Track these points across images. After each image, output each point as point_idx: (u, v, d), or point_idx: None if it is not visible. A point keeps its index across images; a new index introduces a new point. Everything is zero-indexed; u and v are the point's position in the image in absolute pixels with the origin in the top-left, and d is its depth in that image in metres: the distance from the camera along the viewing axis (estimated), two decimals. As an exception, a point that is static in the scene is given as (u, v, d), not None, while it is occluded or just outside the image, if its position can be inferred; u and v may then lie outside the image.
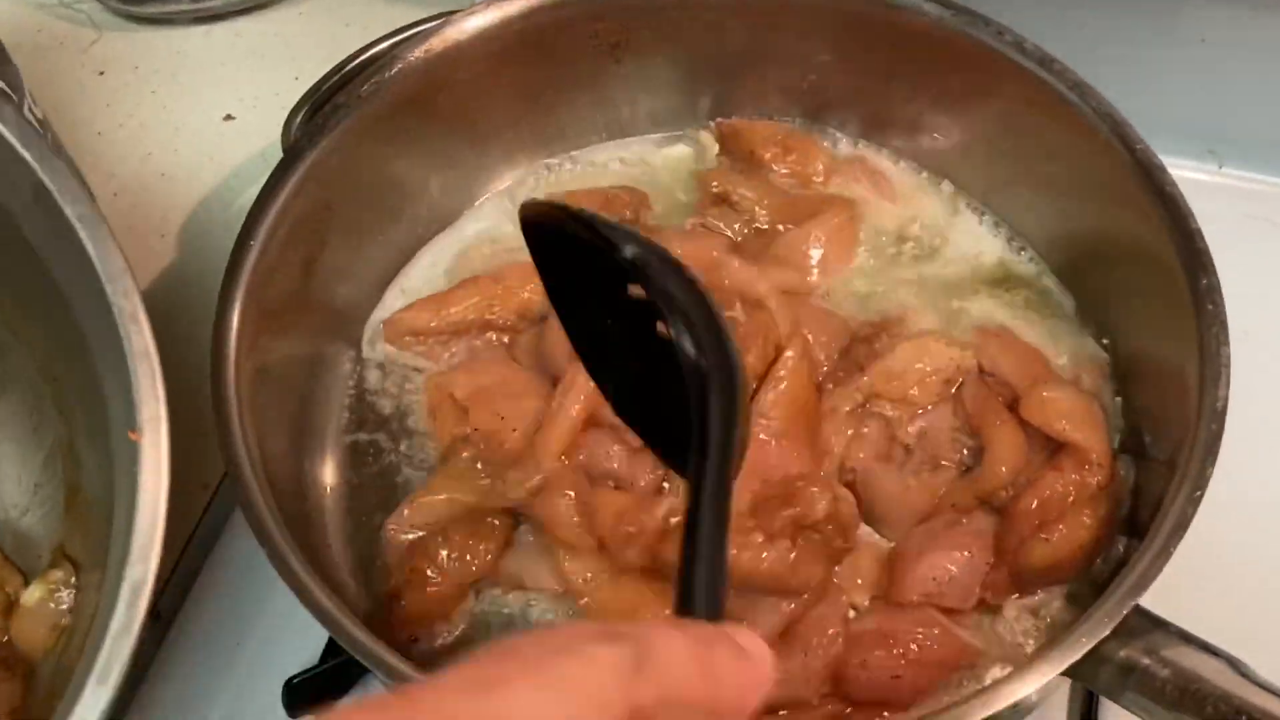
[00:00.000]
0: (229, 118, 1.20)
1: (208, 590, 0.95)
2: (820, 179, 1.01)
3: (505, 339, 0.95)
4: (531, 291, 0.94)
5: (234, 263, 0.81)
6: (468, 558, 0.83)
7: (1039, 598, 0.84)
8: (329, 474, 0.92)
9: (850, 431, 0.88)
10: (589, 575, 0.82)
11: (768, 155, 1.00)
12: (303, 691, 0.85)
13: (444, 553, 0.83)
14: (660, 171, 1.06)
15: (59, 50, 1.26)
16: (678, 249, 0.64)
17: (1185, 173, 1.11)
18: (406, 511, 0.86)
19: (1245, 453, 0.92)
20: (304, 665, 0.87)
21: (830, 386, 0.89)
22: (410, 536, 0.86)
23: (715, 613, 0.51)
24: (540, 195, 1.02)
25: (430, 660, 0.81)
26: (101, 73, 1.24)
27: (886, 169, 1.02)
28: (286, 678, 0.85)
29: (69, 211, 0.65)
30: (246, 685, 0.90)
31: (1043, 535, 0.82)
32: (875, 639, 0.80)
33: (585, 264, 0.59)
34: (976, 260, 0.99)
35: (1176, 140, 1.11)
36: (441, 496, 0.87)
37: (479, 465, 0.88)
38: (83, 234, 0.64)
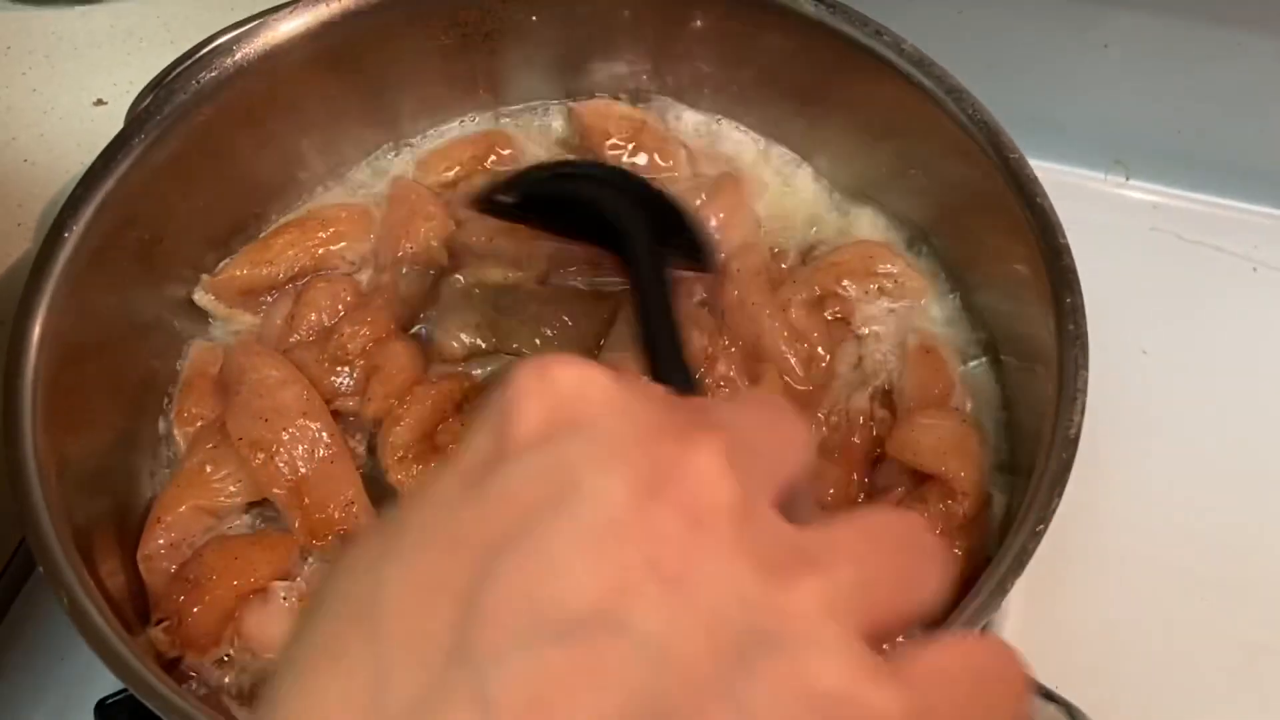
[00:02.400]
0: (100, 102, 1.15)
1: (34, 601, 0.90)
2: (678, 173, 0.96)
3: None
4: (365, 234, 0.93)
5: (39, 264, 0.77)
6: (233, 581, 0.78)
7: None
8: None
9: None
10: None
11: (615, 154, 0.96)
12: (114, 713, 0.79)
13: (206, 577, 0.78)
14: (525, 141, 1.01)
15: (-73, 30, 1.21)
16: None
17: (1091, 184, 1.10)
18: (155, 531, 0.81)
19: (1123, 484, 0.89)
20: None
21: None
22: (168, 564, 0.80)
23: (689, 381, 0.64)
24: (397, 170, 0.99)
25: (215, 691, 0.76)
26: (-28, 53, 1.19)
27: (749, 160, 0.98)
28: (99, 699, 0.80)
29: None
30: (60, 703, 0.85)
31: None
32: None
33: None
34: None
35: (1083, 150, 1.08)
36: (182, 507, 0.81)
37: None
38: None
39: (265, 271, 0.91)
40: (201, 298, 0.90)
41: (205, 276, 0.90)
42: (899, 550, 0.38)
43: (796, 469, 0.40)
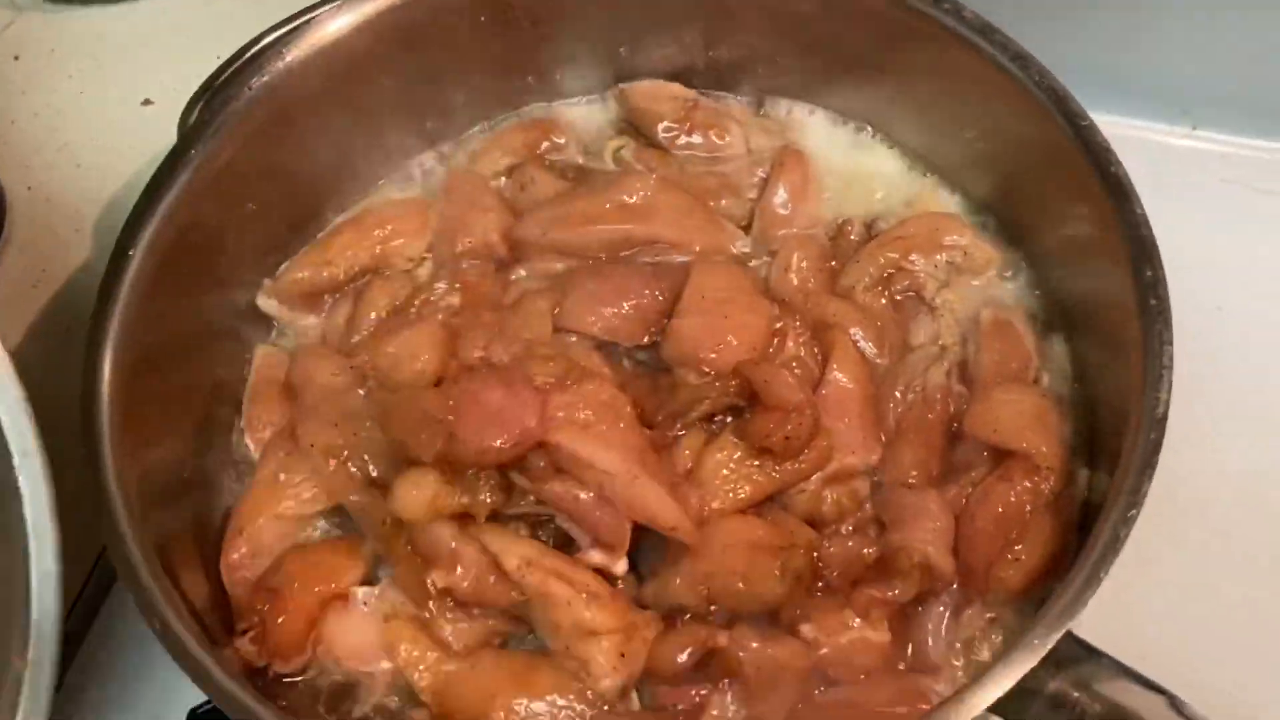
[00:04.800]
0: (148, 102, 1.14)
1: (116, 612, 0.91)
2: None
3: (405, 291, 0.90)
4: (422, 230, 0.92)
5: (107, 285, 0.77)
6: (315, 588, 0.78)
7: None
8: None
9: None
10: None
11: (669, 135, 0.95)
12: (207, 721, 0.81)
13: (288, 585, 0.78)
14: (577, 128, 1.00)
15: (-28, 35, 1.20)
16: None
17: (1158, 136, 1.07)
18: (236, 543, 0.81)
19: (1209, 448, 0.87)
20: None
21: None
22: (250, 574, 0.81)
23: None
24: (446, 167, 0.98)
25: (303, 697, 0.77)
26: (17, 57, 1.18)
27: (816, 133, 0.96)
28: (190, 708, 0.81)
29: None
30: (155, 711, 0.86)
31: (1010, 555, 0.77)
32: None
33: None
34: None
35: (1149, 102, 1.06)
36: (260, 519, 0.81)
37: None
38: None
39: (326, 273, 0.91)
40: (265, 303, 0.90)
41: (267, 281, 0.90)
42: None
43: None
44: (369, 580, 0.80)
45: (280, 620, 0.77)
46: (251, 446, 0.87)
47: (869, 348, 0.85)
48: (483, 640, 0.78)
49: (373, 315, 0.89)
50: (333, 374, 0.84)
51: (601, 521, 0.75)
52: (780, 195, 0.91)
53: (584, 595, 0.73)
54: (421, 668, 0.75)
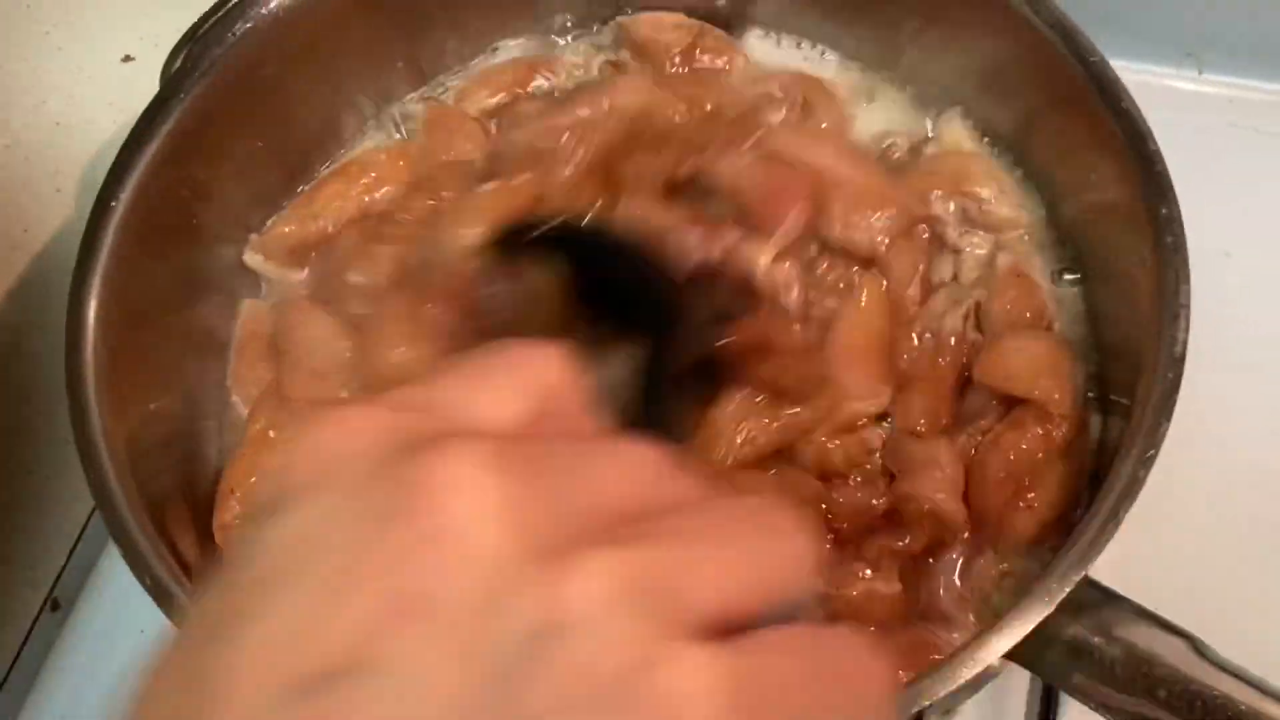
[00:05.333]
0: (128, 59, 1.11)
1: (107, 576, 0.89)
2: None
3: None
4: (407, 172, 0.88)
5: (89, 238, 0.75)
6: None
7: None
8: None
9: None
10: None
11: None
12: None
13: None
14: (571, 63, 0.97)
15: (-57, -12, 1.17)
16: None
17: (1163, 79, 1.05)
18: (229, 503, 0.79)
19: (1221, 397, 0.86)
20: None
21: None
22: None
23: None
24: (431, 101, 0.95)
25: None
26: (-9, 15, 1.15)
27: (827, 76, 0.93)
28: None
29: None
30: (148, 677, 0.84)
31: (1022, 503, 0.75)
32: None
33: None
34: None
35: (1153, 44, 1.03)
36: (253, 477, 0.79)
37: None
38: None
39: (313, 227, 0.88)
40: (251, 258, 0.88)
41: (254, 236, 0.88)
42: (739, 531, 0.34)
43: (770, 595, 0.33)
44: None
45: None
46: (240, 404, 0.85)
47: (897, 284, 0.83)
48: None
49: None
50: (316, 325, 0.82)
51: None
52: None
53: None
54: None
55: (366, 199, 0.89)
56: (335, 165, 0.92)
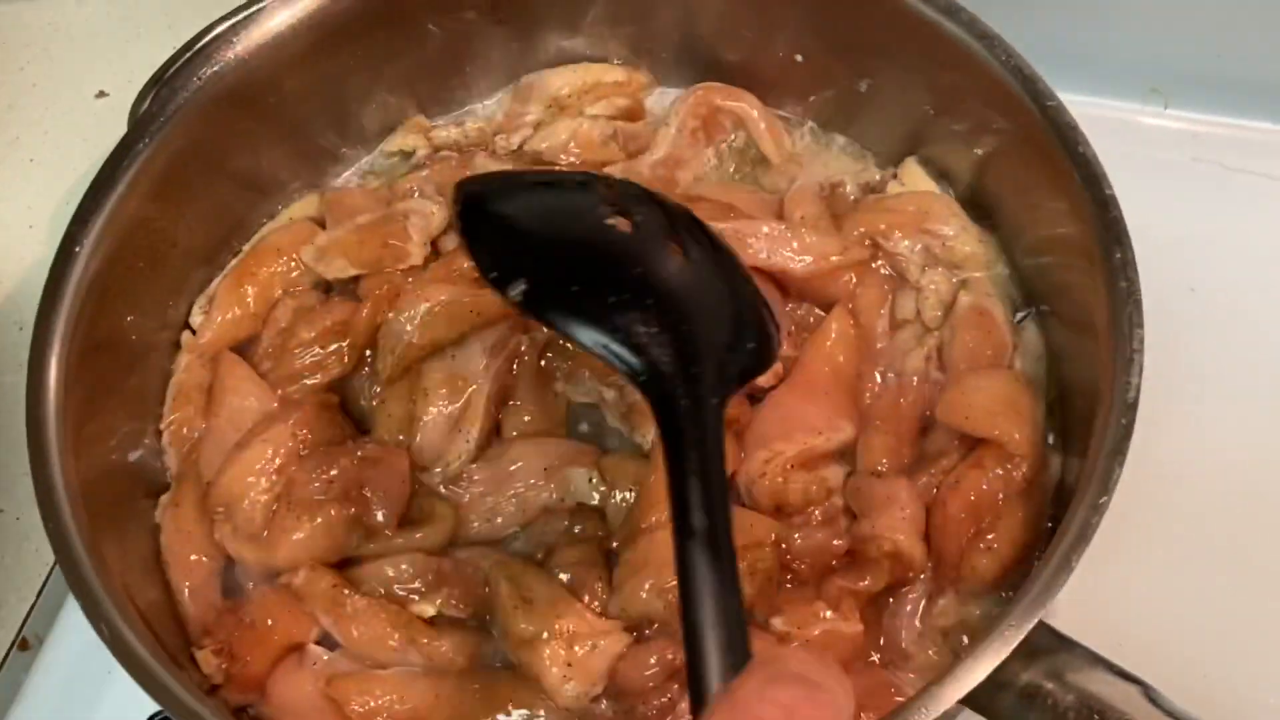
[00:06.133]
0: (102, 94, 1.12)
1: (77, 616, 0.88)
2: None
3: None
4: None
5: (53, 282, 0.75)
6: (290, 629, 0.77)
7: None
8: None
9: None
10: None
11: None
12: (165, 730, 0.79)
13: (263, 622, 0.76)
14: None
15: (-81, 26, 1.18)
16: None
17: (1127, 114, 1.06)
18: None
19: (1181, 433, 0.86)
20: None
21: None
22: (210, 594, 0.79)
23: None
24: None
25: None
26: (-33, 50, 1.16)
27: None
28: (150, 714, 0.80)
29: None
30: (115, 716, 0.85)
31: (982, 544, 0.76)
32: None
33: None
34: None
35: (1119, 80, 1.04)
36: (194, 556, 0.79)
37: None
38: None
39: (247, 321, 0.87)
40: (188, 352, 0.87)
41: (187, 336, 0.87)
42: None
43: None
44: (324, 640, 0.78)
45: (249, 657, 0.75)
46: (171, 455, 0.84)
47: (863, 318, 0.84)
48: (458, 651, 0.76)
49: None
50: (246, 394, 0.83)
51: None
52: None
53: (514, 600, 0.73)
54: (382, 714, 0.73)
55: (294, 275, 0.89)
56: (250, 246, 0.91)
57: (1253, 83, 1.03)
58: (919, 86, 0.86)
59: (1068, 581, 0.63)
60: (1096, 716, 0.61)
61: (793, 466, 0.79)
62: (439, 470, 0.81)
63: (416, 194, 0.90)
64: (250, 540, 0.77)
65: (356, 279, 0.86)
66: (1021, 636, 0.62)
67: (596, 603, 0.75)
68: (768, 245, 0.83)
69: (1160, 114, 1.05)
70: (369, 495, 0.77)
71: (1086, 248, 0.73)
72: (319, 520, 0.76)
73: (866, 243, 0.86)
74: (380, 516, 0.76)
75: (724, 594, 0.55)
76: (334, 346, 0.84)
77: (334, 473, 0.77)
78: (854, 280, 0.85)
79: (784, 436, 0.79)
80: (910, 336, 0.84)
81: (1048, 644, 0.64)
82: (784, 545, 0.76)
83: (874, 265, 0.86)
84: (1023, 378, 0.81)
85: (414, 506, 0.79)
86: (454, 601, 0.76)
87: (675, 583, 0.56)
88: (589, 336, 0.65)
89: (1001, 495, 0.76)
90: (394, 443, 0.81)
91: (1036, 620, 0.63)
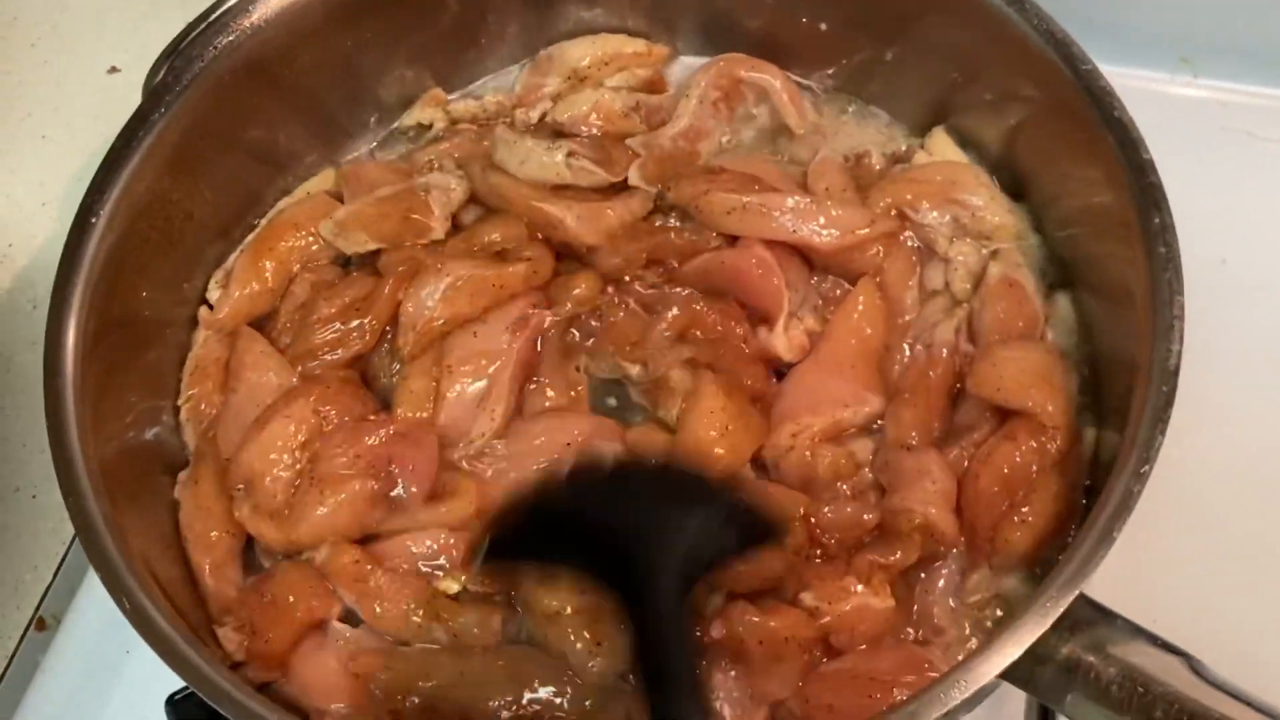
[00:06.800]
0: (114, 70, 1.11)
1: (94, 595, 0.88)
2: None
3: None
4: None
5: (69, 254, 0.74)
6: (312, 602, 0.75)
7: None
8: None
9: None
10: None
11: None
12: (185, 709, 0.77)
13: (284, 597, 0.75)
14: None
15: (-70, 3, 1.17)
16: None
17: (1156, 85, 1.04)
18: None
19: (1219, 405, 0.85)
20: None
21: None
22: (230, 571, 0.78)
23: None
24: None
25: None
26: (-23, 27, 1.15)
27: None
28: (169, 694, 0.78)
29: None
30: (133, 697, 0.84)
31: (1016, 517, 0.74)
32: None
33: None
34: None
35: (1147, 49, 1.03)
36: (214, 533, 0.77)
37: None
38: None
39: (264, 297, 0.86)
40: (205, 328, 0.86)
41: (204, 312, 0.86)
42: None
43: None
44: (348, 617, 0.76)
45: (270, 634, 0.74)
46: (189, 432, 0.83)
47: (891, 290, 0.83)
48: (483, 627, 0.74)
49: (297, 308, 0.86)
50: (265, 369, 0.81)
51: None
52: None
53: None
54: (406, 691, 0.72)
55: (315, 249, 0.88)
56: (266, 223, 0.90)
57: (1282, 52, 1.01)
58: (946, 54, 0.85)
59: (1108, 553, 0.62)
60: (1140, 689, 0.60)
61: (820, 440, 0.78)
62: (462, 446, 0.79)
63: (437, 168, 0.89)
64: (271, 517, 0.76)
65: (375, 254, 0.85)
66: (1062, 609, 0.61)
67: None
68: (794, 219, 0.82)
69: (1189, 83, 1.03)
70: (396, 471, 0.75)
71: (1122, 215, 0.72)
72: (342, 495, 0.75)
73: (893, 214, 0.84)
74: (409, 491, 0.75)
75: None
76: (355, 323, 0.82)
77: (363, 446, 0.76)
78: (881, 252, 0.84)
79: (811, 410, 0.78)
80: (939, 308, 0.83)
81: (1088, 616, 0.63)
82: (813, 519, 0.75)
83: (901, 237, 0.85)
84: (1055, 349, 0.79)
85: (437, 482, 0.78)
86: (479, 577, 0.74)
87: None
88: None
89: (1035, 468, 0.75)
90: (416, 419, 0.80)
91: (1077, 592, 0.61)
